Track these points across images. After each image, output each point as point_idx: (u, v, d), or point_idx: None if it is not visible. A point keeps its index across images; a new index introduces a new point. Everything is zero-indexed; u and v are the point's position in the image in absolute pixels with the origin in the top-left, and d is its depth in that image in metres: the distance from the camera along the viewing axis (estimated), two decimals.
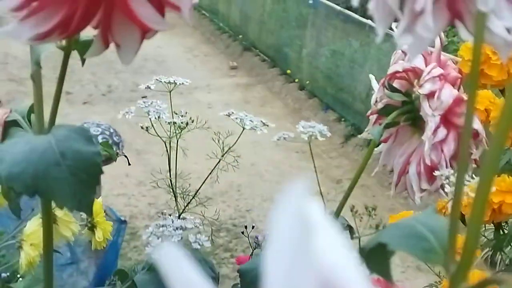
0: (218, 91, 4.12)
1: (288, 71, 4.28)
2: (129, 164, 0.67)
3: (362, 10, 4.19)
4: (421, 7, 0.20)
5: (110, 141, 1.62)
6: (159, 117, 0.45)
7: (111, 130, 1.67)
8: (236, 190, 3.14)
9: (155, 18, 0.25)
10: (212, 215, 0.62)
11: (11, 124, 0.36)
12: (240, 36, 4.86)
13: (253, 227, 0.78)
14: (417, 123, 0.38)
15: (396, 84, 0.38)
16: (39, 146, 0.29)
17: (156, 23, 0.25)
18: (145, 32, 0.25)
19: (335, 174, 3.20)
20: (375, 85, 0.41)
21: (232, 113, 0.48)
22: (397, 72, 0.38)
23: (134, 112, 0.46)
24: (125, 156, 0.70)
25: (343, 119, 3.62)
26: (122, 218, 1.73)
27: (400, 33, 0.21)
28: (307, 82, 4.03)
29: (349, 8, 3.94)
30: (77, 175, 0.29)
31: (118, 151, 1.63)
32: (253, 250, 0.65)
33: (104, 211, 0.51)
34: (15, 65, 4.40)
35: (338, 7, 3.76)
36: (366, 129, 0.43)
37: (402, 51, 0.38)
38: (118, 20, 0.25)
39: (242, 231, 0.79)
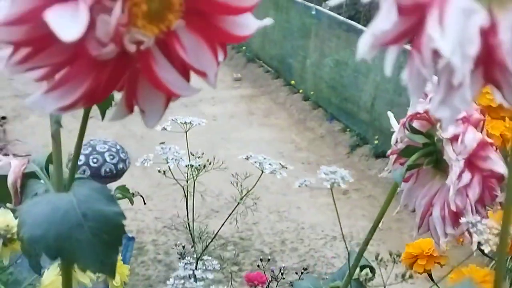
0: (222, 103, 4.12)
1: (292, 82, 4.28)
2: (145, 203, 0.67)
3: (365, 20, 4.20)
4: (459, 81, 0.19)
5: (117, 158, 1.61)
6: (178, 163, 0.44)
7: (118, 147, 1.66)
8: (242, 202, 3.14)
9: (182, 85, 0.24)
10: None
11: (29, 176, 0.36)
12: (244, 48, 4.87)
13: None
14: (439, 165, 0.37)
15: (416, 123, 0.38)
16: (61, 207, 0.29)
17: (182, 89, 0.24)
18: (170, 98, 0.25)
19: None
20: (394, 123, 0.41)
21: (251, 156, 0.48)
22: (418, 113, 0.37)
23: (152, 159, 0.46)
24: (141, 197, 0.69)
25: (348, 129, 3.62)
26: (130, 235, 1.73)
27: (436, 106, 0.20)
28: (312, 92, 4.03)
29: (352, 17, 3.95)
30: (99, 237, 0.28)
31: (125, 167, 1.63)
32: (268, 283, 0.64)
33: None
34: (20, 80, 4.41)
35: (341, 17, 3.77)
36: (385, 168, 0.42)
37: (424, 93, 0.37)
38: (143, 86, 0.24)
39: (249, 244, 0.79)
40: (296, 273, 1.02)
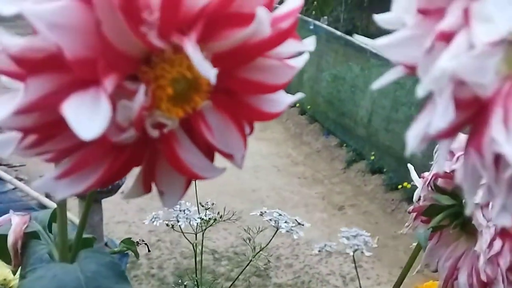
0: None
1: None
2: (149, 250, 0.64)
3: (362, 35, 4.20)
4: None
5: None
6: (189, 222, 0.42)
7: None
8: (237, 216, 3.11)
9: (206, 166, 0.22)
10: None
11: (31, 236, 0.33)
12: None
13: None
14: (465, 226, 0.35)
15: (441, 182, 0.36)
16: (67, 285, 0.27)
17: (206, 171, 0.22)
18: (192, 179, 0.23)
19: (337, 200, 3.17)
20: (415, 177, 0.39)
21: (265, 212, 0.45)
22: (444, 172, 0.35)
23: (161, 217, 0.44)
24: (146, 244, 0.67)
25: (344, 144, 3.60)
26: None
27: (497, 213, 0.18)
28: (308, 107, 4.01)
29: (349, 32, 3.95)
30: None
31: (121, 182, 1.60)
32: None
33: (106, 243, 0.48)
34: None
35: (338, 32, 3.76)
36: (406, 224, 0.40)
37: (450, 151, 0.35)
38: (163, 167, 0.22)
39: (243, 259, 0.76)
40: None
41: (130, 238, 0.40)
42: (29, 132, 0.19)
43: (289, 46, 0.22)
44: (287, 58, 0.22)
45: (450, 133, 0.18)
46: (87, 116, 0.17)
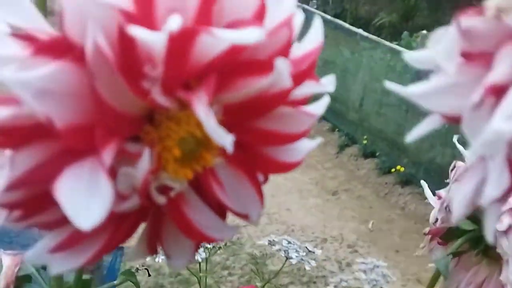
0: None
1: None
2: (149, 275, 0.62)
3: (352, 17, 4.15)
4: None
5: None
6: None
7: None
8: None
9: (218, 226, 0.19)
10: None
11: (24, 280, 0.31)
12: None
13: None
14: (487, 251, 0.33)
15: None
16: None
17: (218, 231, 0.19)
18: (201, 242, 0.20)
19: (330, 186, 3.16)
20: (430, 196, 0.36)
21: (274, 241, 0.43)
22: None
23: None
24: (146, 269, 0.64)
25: (337, 129, 3.58)
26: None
27: None
28: None
29: (338, 15, 3.90)
30: None
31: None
32: None
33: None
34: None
35: (328, 16, 3.72)
36: (421, 246, 0.38)
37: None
38: (170, 228, 0.20)
39: (239, 247, 0.75)
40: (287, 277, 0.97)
41: (130, 269, 0.38)
42: (16, 208, 0.16)
43: (307, 87, 0.19)
44: (304, 99, 0.19)
45: (502, 198, 0.16)
46: (84, 201, 0.14)
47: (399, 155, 3.06)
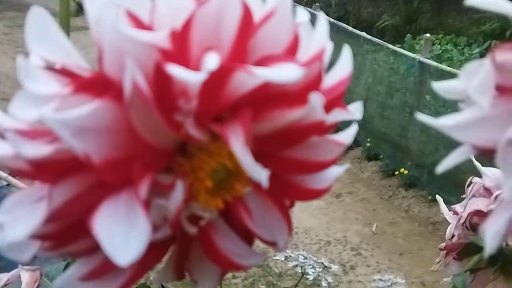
0: None
1: None
2: None
3: (354, 20, 4.15)
4: None
5: None
6: None
7: None
8: None
9: (245, 253, 0.19)
10: None
11: None
12: None
13: None
14: (505, 267, 0.33)
15: (477, 219, 0.33)
16: None
17: (245, 258, 0.19)
18: (229, 269, 0.20)
19: (334, 188, 3.15)
20: (445, 211, 0.36)
21: (290, 256, 0.43)
22: (480, 211, 0.33)
23: None
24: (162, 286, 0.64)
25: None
26: None
27: None
28: None
29: (341, 18, 3.90)
30: None
31: None
32: None
33: None
34: (7, 84, 4.31)
35: (330, 18, 3.71)
36: (436, 261, 0.38)
37: (485, 188, 0.33)
38: (198, 254, 0.20)
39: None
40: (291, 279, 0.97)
41: (145, 283, 0.38)
42: (50, 239, 0.17)
43: (335, 115, 0.19)
44: (331, 126, 0.19)
45: None
46: (123, 237, 0.14)
47: (403, 158, 3.05)
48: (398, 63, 3.15)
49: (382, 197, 3.05)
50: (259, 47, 0.16)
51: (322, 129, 0.18)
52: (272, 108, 0.17)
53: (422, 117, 0.17)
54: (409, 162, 2.98)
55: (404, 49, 3.35)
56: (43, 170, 0.15)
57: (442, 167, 0.17)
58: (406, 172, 2.97)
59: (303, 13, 0.18)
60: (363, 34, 3.45)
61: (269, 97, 0.17)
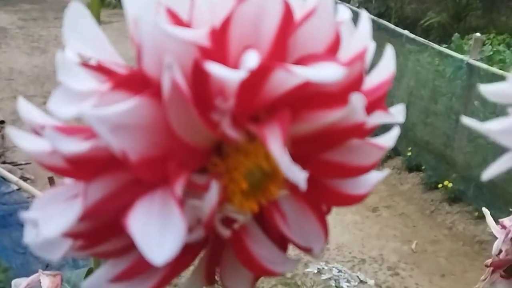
0: None
1: None
2: None
3: (396, 17, 4.13)
4: None
5: None
6: None
7: None
8: None
9: (279, 259, 0.21)
10: None
11: None
12: None
13: None
14: None
15: None
16: None
17: (279, 264, 0.20)
18: (262, 275, 0.21)
19: (370, 201, 3.14)
20: (492, 225, 0.37)
21: (323, 269, 0.43)
22: None
23: None
24: None
25: None
26: None
27: None
28: None
29: (382, 14, 3.89)
30: None
31: None
32: None
33: None
34: (20, 81, 4.41)
35: (371, 15, 3.71)
36: (482, 278, 0.38)
37: None
38: (229, 260, 0.21)
39: None
40: None
41: None
42: (82, 237, 0.18)
43: (376, 117, 0.20)
44: (371, 130, 0.20)
45: None
46: (158, 235, 0.15)
47: (447, 169, 3.02)
48: (444, 65, 3.12)
49: (424, 212, 3.02)
50: (299, 46, 0.17)
51: (362, 131, 0.19)
52: (311, 108, 0.18)
53: (468, 120, 0.18)
54: (454, 174, 2.95)
55: (451, 49, 3.32)
56: (78, 167, 0.16)
57: (488, 174, 0.18)
58: (450, 185, 2.94)
59: (344, 11, 0.19)
60: (406, 32, 3.43)
61: (308, 97, 0.18)
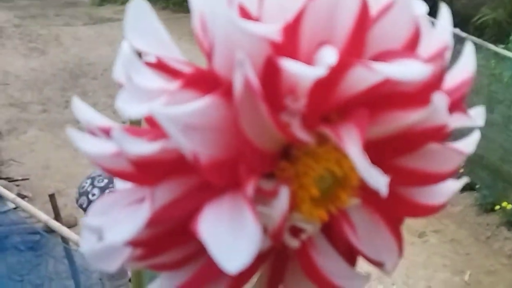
0: None
1: None
2: None
3: (474, 27, 4.11)
4: None
5: None
6: None
7: None
8: None
9: (347, 274, 0.22)
10: None
11: None
12: None
13: None
14: None
15: None
16: None
17: (347, 279, 0.22)
18: None
19: (417, 225, 3.12)
20: None
21: None
22: None
23: None
24: None
25: None
26: None
27: None
28: None
29: (430, 10, 3.87)
30: None
31: None
32: None
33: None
34: (16, 86, 4.49)
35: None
36: None
37: None
38: (293, 274, 0.22)
39: None
40: None
41: None
42: (143, 245, 0.19)
43: (454, 120, 0.21)
44: (449, 133, 0.21)
45: None
46: (231, 241, 0.17)
47: (506, 189, 2.99)
48: (501, 68, 3.10)
49: (478, 237, 3.00)
50: (376, 41, 0.18)
51: (441, 135, 0.20)
52: (388, 108, 0.19)
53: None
54: None
55: (508, 50, 3.31)
56: (144, 170, 0.18)
57: None
58: (509, 206, 2.91)
59: (421, 5, 0.20)
60: (457, 30, 3.42)
61: (385, 96, 0.19)
